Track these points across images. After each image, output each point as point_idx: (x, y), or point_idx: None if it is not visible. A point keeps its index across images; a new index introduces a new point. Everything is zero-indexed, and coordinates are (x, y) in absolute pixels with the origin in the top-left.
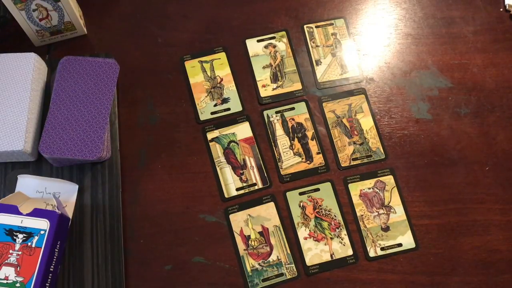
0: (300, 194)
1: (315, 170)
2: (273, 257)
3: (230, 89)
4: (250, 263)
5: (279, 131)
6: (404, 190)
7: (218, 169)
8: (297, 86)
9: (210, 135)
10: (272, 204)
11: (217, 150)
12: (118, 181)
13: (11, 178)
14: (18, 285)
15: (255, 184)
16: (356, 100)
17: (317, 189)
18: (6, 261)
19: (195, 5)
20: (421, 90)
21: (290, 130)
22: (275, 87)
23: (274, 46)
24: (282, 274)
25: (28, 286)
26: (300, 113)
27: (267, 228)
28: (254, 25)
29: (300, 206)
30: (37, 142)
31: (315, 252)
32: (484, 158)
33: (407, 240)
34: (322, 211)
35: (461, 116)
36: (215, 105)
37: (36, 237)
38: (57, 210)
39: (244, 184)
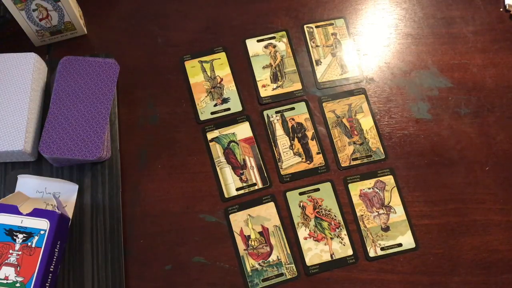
0: (300, 194)
1: (315, 170)
2: (273, 257)
3: (230, 89)
4: (250, 263)
5: (279, 131)
6: (404, 190)
7: (218, 169)
8: (297, 86)
9: (210, 135)
10: (272, 204)
11: (217, 150)
12: (118, 181)
13: (11, 178)
14: (18, 285)
15: (255, 184)
16: (356, 100)
17: (317, 189)
18: (6, 261)
19: (195, 5)
20: (421, 90)
21: (290, 130)
22: (275, 87)
23: (274, 46)
24: (282, 274)
25: (28, 286)
26: (300, 113)
27: (267, 228)
28: (254, 25)
29: (300, 206)
30: (37, 142)
31: (315, 252)
32: (484, 158)
33: (407, 240)
34: (322, 211)
35: (461, 116)
36: (215, 105)
37: (36, 237)
38: (57, 210)
39: (244, 184)
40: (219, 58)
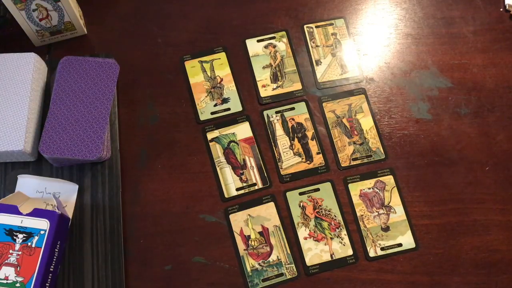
0: (300, 194)
1: (315, 170)
2: (273, 257)
3: (230, 89)
4: (250, 263)
5: (279, 131)
6: (404, 190)
7: (218, 169)
8: (297, 86)
9: (210, 135)
10: (272, 204)
11: (217, 150)
12: (118, 181)
13: (11, 178)
14: (18, 285)
15: (255, 184)
16: (356, 100)
17: (317, 189)
18: (6, 261)
19: (195, 5)
20: (421, 90)
21: (290, 130)
22: (275, 87)
23: (274, 46)
24: (282, 274)
25: (28, 286)
26: (300, 113)
27: (267, 228)
28: (254, 25)
29: (300, 206)
30: (37, 142)
31: (315, 252)
32: (484, 158)
33: (407, 240)
34: (322, 211)
35: (461, 116)
36: (215, 105)
37: (36, 237)
38: (57, 210)
39: (244, 184)
40: (219, 58)
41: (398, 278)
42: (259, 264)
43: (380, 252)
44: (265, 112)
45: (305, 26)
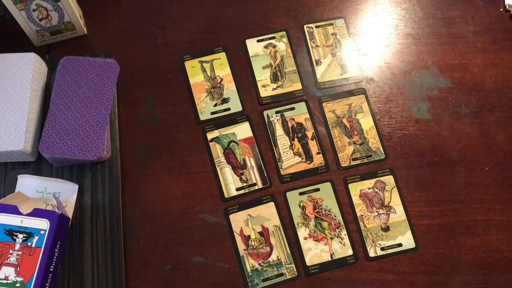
0: (300, 194)
1: (315, 170)
2: (273, 257)
3: (230, 89)
4: (250, 263)
5: (279, 131)
6: (404, 190)
7: (218, 169)
8: (297, 86)
9: (210, 135)
10: (272, 204)
11: (217, 150)
12: (118, 181)
13: (11, 178)
14: (18, 285)
15: (255, 184)
16: (356, 100)
17: (317, 189)
18: (6, 261)
19: (195, 5)
20: (421, 90)
21: (290, 130)
22: (275, 87)
23: (274, 46)
24: (282, 274)
25: (28, 286)
26: (300, 113)
27: (267, 228)
28: (254, 25)
29: (300, 206)
30: (37, 142)
31: (315, 252)
32: (484, 158)
33: (407, 240)
34: (322, 211)
35: (461, 116)
36: (215, 105)
37: (36, 237)
38: (57, 210)
39: (244, 184)
40: (219, 58)
41: (398, 278)
42: (259, 264)
43: (380, 252)
44: (265, 112)
45: (305, 26)
